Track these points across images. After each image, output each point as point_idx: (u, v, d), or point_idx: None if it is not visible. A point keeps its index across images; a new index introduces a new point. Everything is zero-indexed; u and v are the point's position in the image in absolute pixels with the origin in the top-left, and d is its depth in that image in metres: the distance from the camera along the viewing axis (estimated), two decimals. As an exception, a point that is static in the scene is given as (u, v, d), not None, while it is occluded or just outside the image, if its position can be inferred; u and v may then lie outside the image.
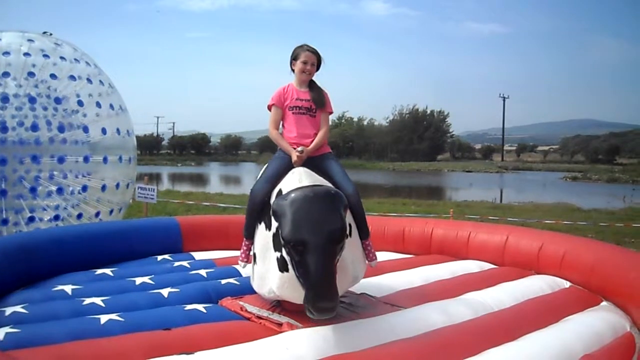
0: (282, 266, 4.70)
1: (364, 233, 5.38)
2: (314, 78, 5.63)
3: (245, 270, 6.39)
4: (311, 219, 4.32)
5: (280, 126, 5.61)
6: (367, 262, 5.47)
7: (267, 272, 5.03)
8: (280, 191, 4.89)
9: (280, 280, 4.77)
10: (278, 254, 4.74)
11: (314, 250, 4.22)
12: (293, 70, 5.58)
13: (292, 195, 4.50)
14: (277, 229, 4.65)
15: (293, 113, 5.47)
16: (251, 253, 5.47)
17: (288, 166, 5.29)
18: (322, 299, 4.11)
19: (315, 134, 5.46)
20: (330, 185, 4.99)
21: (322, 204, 4.45)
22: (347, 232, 4.65)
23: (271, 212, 4.65)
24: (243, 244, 5.58)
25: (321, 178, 5.08)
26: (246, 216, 5.44)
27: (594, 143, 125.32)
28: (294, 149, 5.30)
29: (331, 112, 5.65)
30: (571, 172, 75.87)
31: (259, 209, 5.23)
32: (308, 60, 5.46)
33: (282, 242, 4.46)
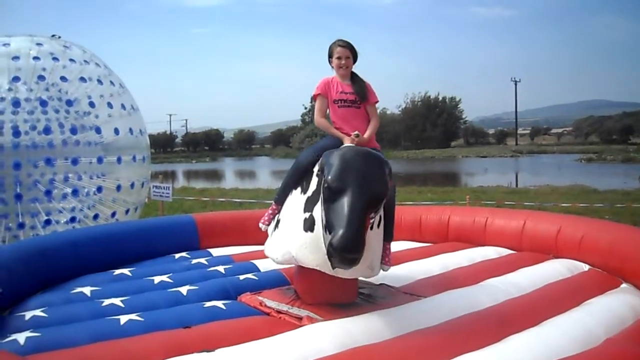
0: (309, 226, 4.80)
1: (387, 235, 5.38)
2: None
3: (263, 264, 6.39)
4: (358, 170, 4.43)
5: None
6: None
7: (288, 233, 5.13)
8: (326, 158, 4.92)
9: (302, 239, 4.85)
10: (307, 215, 4.86)
11: (353, 196, 4.29)
12: (333, 68, 5.67)
13: (345, 148, 4.68)
14: (314, 192, 4.88)
15: (339, 106, 5.53)
16: (276, 218, 5.56)
17: (337, 146, 5.29)
18: (348, 246, 4.13)
19: (362, 126, 5.48)
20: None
21: (371, 163, 4.57)
22: (386, 197, 4.71)
23: (319, 164, 4.79)
24: (270, 208, 5.69)
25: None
26: (285, 180, 5.57)
27: (607, 123, 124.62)
28: (348, 135, 5.31)
29: (377, 102, 5.70)
30: (586, 153, 75.53)
31: (300, 176, 5.36)
32: (342, 55, 5.54)
33: (324, 185, 4.53)
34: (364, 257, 4.68)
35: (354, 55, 5.61)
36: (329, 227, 4.38)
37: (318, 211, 4.69)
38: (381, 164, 4.63)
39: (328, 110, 5.60)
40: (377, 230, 4.94)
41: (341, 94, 5.50)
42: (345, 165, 4.44)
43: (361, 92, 5.54)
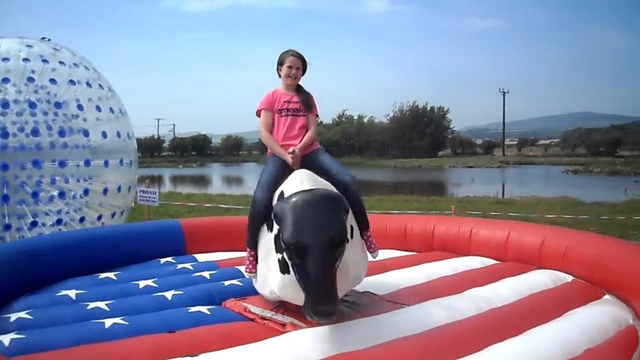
0: (284, 268, 4.70)
1: (363, 224, 5.41)
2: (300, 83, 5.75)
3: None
4: (312, 223, 4.33)
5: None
6: (368, 253, 5.50)
7: (268, 272, 5.07)
8: (282, 193, 4.91)
9: (282, 281, 4.79)
10: (279, 256, 4.75)
11: (315, 254, 4.22)
12: (280, 76, 5.67)
13: (293, 199, 4.50)
14: (279, 230, 4.66)
15: (282, 115, 5.56)
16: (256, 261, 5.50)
17: (283, 169, 5.38)
18: (321, 302, 4.12)
19: (303, 133, 5.55)
20: (332, 188, 5.00)
21: (323, 208, 4.45)
22: (349, 234, 4.69)
23: (272, 215, 4.66)
24: (247, 254, 5.58)
25: (323, 180, 5.10)
26: (248, 225, 5.46)
27: (595, 136, 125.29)
28: (287, 152, 5.37)
29: (317, 116, 5.76)
30: (573, 165, 75.80)
31: (261, 217, 5.27)
32: (293, 65, 5.57)
33: (283, 245, 4.46)
34: (347, 271, 4.72)
35: (304, 67, 5.66)
36: (300, 285, 4.38)
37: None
38: (334, 205, 4.55)
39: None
40: (351, 241, 4.88)
41: (285, 103, 5.55)
42: (298, 220, 4.35)
43: (307, 103, 5.60)
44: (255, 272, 5.49)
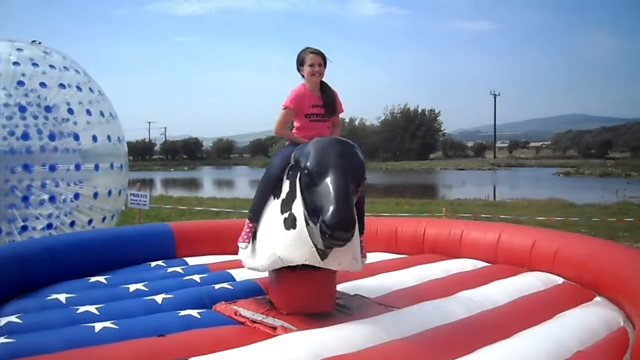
0: (290, 224, 4.81)
1: (360, 229, 5.40)
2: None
3: (238, 274, 6.40)
4: (336, 153, 4.52)
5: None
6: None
7: (269, 239, 5.14)
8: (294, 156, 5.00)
9: (286, 238, 4.86)
10: (286, 214, 4.88)
11: (337, 175, 4.37)
12: (303, 76, 5.58)
13: (316, 139, 4.74)
14: (287, 193, 4.95)
15: (310, 120, 5.52)
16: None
17: None
18: (342, 221, 4.21)
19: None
20: None
21: (346, 146, 4.67)
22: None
23: (292, 158, 4.83)
24: (246, 225, 5.60)
25: None
26: (257, 195, 5.51)
27: (586, 138, 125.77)
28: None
29: (342, 112, 5.73)
30: (564, 167, 75.94)
31: (273, 183, 5.34)
32: (315, 62, 5.48)
33: (300, 179, 4.61)
34: (347, 249, 4.73)
35: (325, 62, 5.58)
36: (315, 211, 4.41)
37: (297, 207, 4.73)
38: (355, 146, 4.73)
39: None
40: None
41: (313, 108, 5.50)
42: (322, 150, 4.51)
43: (331, 105, 5.57)
44: (249, 242, 5.52)
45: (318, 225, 4.33)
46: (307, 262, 4.84)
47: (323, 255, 4.69)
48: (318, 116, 5.51)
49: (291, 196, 4.87)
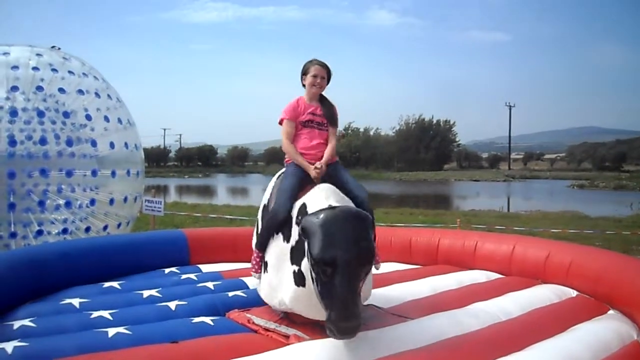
0: (299, 281, 4.72)
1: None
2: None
3: (252, 282, 6.40)
4: (342, 239, 4.29)
5: None
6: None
7: (279, 283, 5.06)
8: (304, 205, 4.90)
9: (295, 294, 4.80)
10: (295, 268, 4.77)
11: (344, 270, 4.19)
12: (304, 86, 5.66)
13: (323, 215, 4.45)
14: (297, 242, 4.73)
15: (305, 127, 5.57)
16: (263, 260, 5.49)
17: (304, 179, 5.37)
18: (346, 319, 4.12)
19: (325, 145, 5.57)
20: (354, 206, 4.99)
21: (353, 225, 4.42)
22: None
23: (300, 229, 4.59)
24: (254, 255, 5.59)
25: (345, 197, 5.08)
26: (262, 231, 5.46)
27: (600, 150, 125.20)
28: (311, 164, 5.38)
29: (337, 127, 5.75)
30: (578, 179, 75.73)
31: (279, 225, 5.22)
32: (318, 74, 5.54)
33: (308, 258, 4.43)
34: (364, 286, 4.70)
35: (329, 77, 5.64)
36: (322, 301, 4.32)
37: (305, 266, 4.63)
38: (363, 223, 4.51)
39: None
40: None
41: (309, 115, 5.56)
42: (329, 236, 4.30)
43: (330, 117, 5.63)
44: (261, 272, 5.50)
45: (325, 314, 4.27)
46: (317, 319, 4.81)
47: None
48: (314, 123, 5.58)
49: (300, 248, 4.72)
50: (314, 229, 4.38)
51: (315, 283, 4.40)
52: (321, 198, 4.83)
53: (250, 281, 6.61)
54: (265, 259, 5.39)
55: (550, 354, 4.72)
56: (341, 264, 4.20)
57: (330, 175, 5.43)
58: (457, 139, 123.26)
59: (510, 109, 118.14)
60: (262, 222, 5.56)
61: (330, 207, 4.59)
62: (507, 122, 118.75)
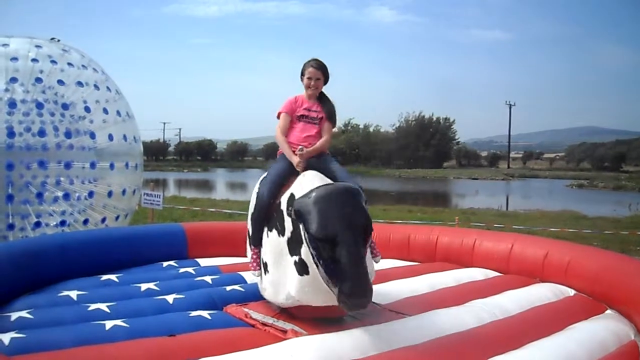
0: (302, 269, 4.74)
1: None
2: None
3: (250, 276, 6.41)
4: (339, 213, 4.34)
5: None
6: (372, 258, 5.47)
7: (282, 278, 5.06)
8: (292, 195, 4.90)
9: (300, 283, 4.79)
10: (296, 258, 4.79)
11: (346, 243, 4.23)
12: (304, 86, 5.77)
13: (314, 193, 4.51)
14: (293, 233, 4.76)
15: (299, 121, 5.67)
16: (261, 261, 5.50)
17: (290, 169, 5.45)
18: (357, 292, 4.16)
19: (316, 139, 5.64)
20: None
21: (346, 198, 4.50)
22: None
23: (293, 213, 4.61)
24: (252, 252, 5.62)
25: (330, 180, 5.09)
26: (252, 223, 5.54)
27: (599, 150, 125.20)
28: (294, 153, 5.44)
29: (334, 126, 5.83)
30: (577, 179, 75.69)
31: (265, 212, 5.33)
32: (312, 76, 5.66)
33: (307, 240, 4.46)
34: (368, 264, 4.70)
35: (325, 77, 5.73)
36: (330, 278, 4.32)
37: (305, 253, 4.64)
38: (356, 196, 4.59)
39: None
40: None
41: (305, 110, 5.67)
42: (324, 212, 4.34)
43: (330, 114, 5.73)
44: (260, 270, 5.51)
45: (335, 291, 4.27)
46: (326, 304, 4.82)
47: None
48: (308, 118, 5.68)
49: (297, 238, 4.74)
50: (308, 208, 4.43)
51: (318, 265, 4.42)
52: (306, 183, 4.89)
53: (248, 276, 6.60)
54: (264, 260, 5.40)
55: (547, 353, 4.73)
56: (341, 235, 4.24)
57: (320, 167, 5.43)
58: (456, 137, 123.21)
59: (510, 108, 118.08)
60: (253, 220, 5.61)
61: (321, 186, 4.64)
62: (507, 121, 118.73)
